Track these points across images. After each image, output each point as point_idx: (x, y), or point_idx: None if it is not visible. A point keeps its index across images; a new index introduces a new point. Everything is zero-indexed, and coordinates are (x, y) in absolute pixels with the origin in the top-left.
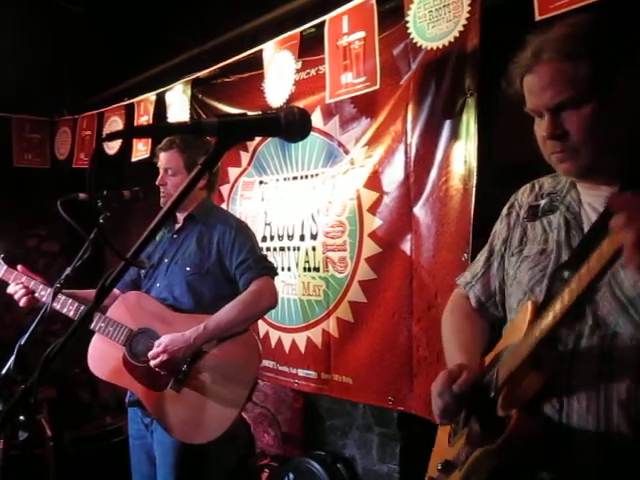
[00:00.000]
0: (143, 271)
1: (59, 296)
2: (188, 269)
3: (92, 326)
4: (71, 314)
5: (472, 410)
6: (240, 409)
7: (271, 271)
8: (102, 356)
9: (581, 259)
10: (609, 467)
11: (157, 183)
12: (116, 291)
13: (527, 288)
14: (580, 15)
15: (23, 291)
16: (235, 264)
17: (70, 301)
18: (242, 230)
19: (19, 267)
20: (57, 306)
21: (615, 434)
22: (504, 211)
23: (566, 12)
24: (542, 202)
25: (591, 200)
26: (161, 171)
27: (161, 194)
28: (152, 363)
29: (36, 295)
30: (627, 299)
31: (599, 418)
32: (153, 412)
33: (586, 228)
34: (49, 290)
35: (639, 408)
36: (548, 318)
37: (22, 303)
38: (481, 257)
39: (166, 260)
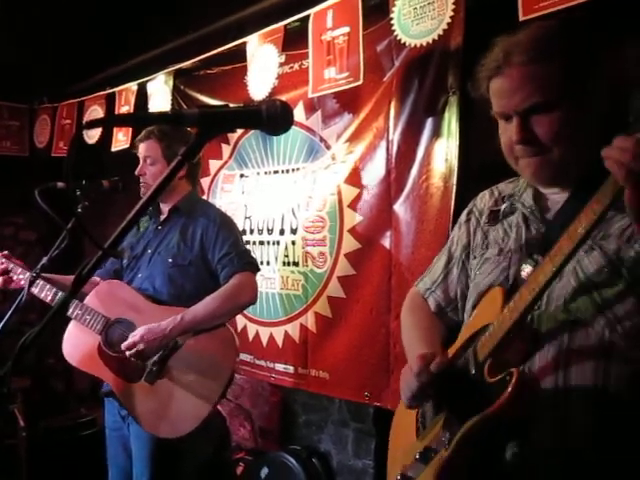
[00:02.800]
0: (126, 261)
1: (43, 284)
2: (170, 260)
3: (69, 313)
4: (48, 299)
5: (446, 396)
6: (213, 406)
7: (253, 266)
8: (77, 343)
9: (549, 242)
10: (565, 449)
11: (136, 173)
12: (96, 279)
13: (485, 289)
14: (551, 20)
15: None
16: (217, 257)
17: (48, 286)
18: (226, 224)
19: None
20: (35, 290)
21: (573, 417)
22: (462, 217)
23: (551, 13)
24: (503, 206)
25: (554, 197)
26: (141, 161)
27: (141, 184)
28: (127, 353)
29: (13, 277)
30: (591, 283)
31: (556, 403)
32: (125, 403)
33: (548, 216)
34: (27, 274)
35: (598, 394)
36: (540, 278)
37: None
38: (438, 262)
39: (149, 251)
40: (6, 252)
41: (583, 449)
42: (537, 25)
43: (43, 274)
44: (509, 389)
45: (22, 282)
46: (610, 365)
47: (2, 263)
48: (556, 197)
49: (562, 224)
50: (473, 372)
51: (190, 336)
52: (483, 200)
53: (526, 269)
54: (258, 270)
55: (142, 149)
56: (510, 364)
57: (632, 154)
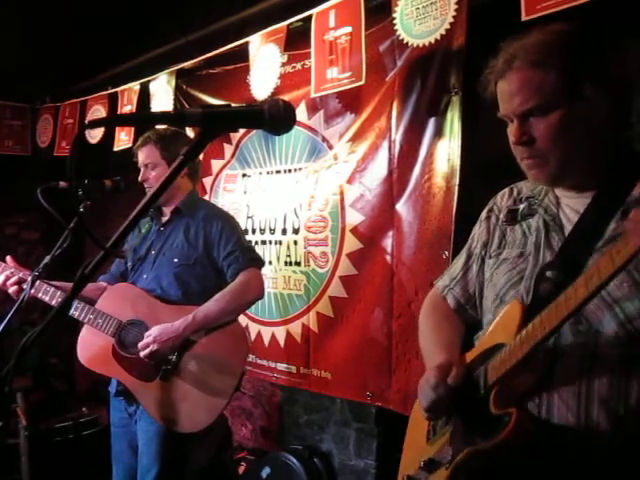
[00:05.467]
0: (130, 263)
1: (48, 287)
2: (176, 260)
3: (81, 318)
4: (52, 302)
5: (456, 408)
6: (229, 399)
7: (258, 262)
8: (91, 347)
9: (568, 259)
10: (588, 464)
11: (140, 180)
12: (103, 284)
13: (502, 291)
14: (558, 24)
15: (12, 280)
16: (223, 255)
17: (50, 288)
18: (228, 221)
19: (8, 258)
20: (46, 298)
21: (595, 432)
22: (483, 215)
23: (553, 13)
24: (521, 206)
25: (570, 202)
26: (142, 168)
27: (146, 190)
28: (142, 354)
29: (24, 286)
30: (612, 299)
31: (579, 416)
32: (143, 402)
33: (567, 229)
34: (38, 282)
35: (620, 406)
36: (551, 319)
37: (11, 291)
38: (459, 260)
39: (153, 252)
40: (9, 257)
41: (606, 461)
42: (543, 30)
43: (52, 282)
44: (504, 432)
45: (33, 290)
46: (631, 378)
47: (12, 274)
48: (572, 202)
49: (579, 239)
50: (482, 393)
51: (202, 333)
52: (503, 198)
53: (543, 285)
54: (263, 264)
55: (141, 156)
56: (516, 394)
57: None
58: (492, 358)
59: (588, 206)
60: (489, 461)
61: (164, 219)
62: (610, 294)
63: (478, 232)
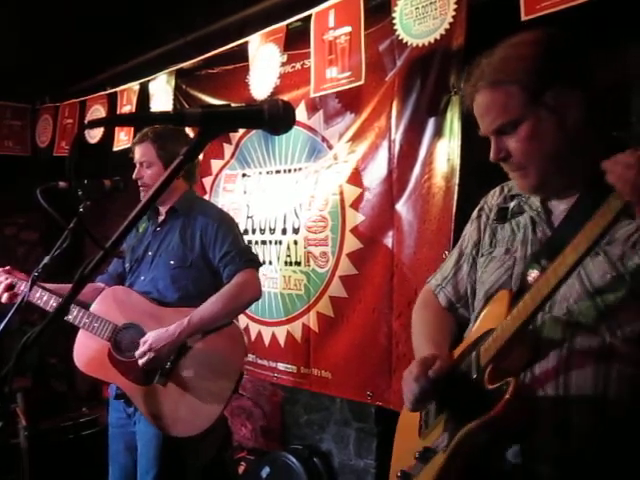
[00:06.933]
0: (128, 264)
1: (42, 292)
2: (172, 262)
3: (77, 322)
4: (47, 307)
5: (448, 398)
6: (226, 402)
7: (255, 263)
8: (87, 352)
9: (553, 251)
10: (567, 454)
11: (134, 177)
12: (101, 285)
13: (491, 289)
14: (524, 34)
15: (2, 286)
16: (218, 256)
17: (54, 297)
18: (225, 221)
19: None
20: (40, 303)
21: (574, 421)
22: (474, 214)
23: (552, 13)
24: (511, 204)
25: (556, 202)
26: (137, 165)
27: (140, 188)
28: (140, 362)
29: (18, 291)
30: (595, 289)
31: (557, 408)
32: (140, 406)
33: (554, 224)
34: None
35: (599, 398)
36: (542, 289)
37: (3, 299)
38: (450, 259)
39: (150, 253)
40: (8, 267)
41: (584, 454)
42: (507, 43)
43: (48, 285)
44: (505, 398)
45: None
46: (611, 369)
47: (7, 278)
48: (557, 201)
49: (568, 230)
50: (475, 376)
51: (198, 336)
52: (494, 197)
53: (532, 274)
54: (260, 265)
55: (137, 153)
56: (510, 371)
57: (637, 170)
58: (483, 342)
59: (576, 201)
60: (489, 435)
61: (160, 219)
62: (593, 284)
63: (469, 231)
